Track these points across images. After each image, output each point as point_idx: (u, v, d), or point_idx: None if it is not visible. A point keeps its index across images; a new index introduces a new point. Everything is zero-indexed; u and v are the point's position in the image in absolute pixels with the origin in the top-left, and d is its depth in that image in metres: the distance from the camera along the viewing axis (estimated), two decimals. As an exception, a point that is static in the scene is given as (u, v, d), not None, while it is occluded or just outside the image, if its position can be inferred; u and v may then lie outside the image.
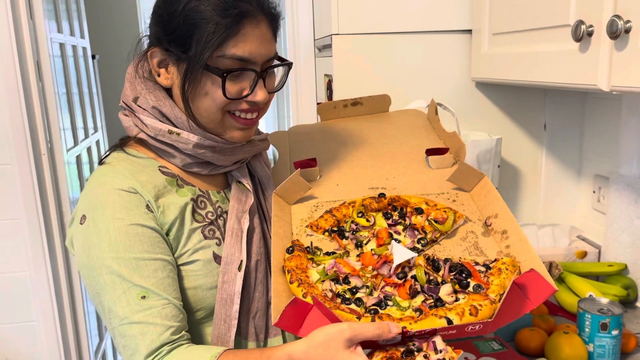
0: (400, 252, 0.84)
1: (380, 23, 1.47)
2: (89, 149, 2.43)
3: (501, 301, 0.74)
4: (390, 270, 0.84)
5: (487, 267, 0.84)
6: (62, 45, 2.11)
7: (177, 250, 0.89)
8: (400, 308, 0.80)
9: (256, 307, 0.95)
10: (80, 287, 2.02)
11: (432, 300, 0.79)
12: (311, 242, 0.92)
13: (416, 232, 0.93)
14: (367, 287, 0.83)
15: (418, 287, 0.82)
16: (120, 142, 0.96)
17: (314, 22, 1.77)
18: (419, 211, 0.96)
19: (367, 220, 0.96)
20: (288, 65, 0.95)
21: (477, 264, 0.85)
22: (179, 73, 0.88)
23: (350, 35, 1.47)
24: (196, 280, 0.90)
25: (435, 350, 0.72)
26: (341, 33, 1.46)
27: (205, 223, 0.93)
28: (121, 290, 0.83)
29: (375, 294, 0.82)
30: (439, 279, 0.83)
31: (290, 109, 1.96)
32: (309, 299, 0.77)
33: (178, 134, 0.89)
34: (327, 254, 0.90)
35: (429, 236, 0.92)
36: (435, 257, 0.87)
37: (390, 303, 0.80)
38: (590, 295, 1.26)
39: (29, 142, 1.79)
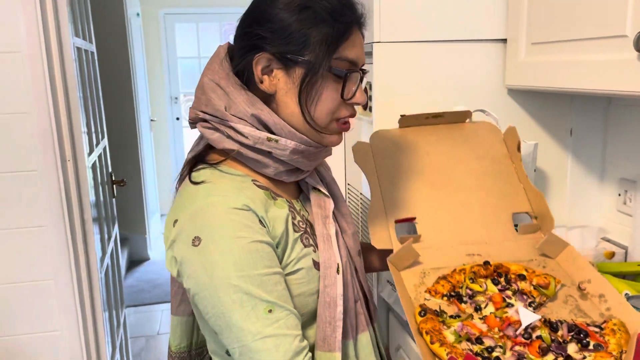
0: (526, 315, 0.97)
1: (419, 32, 1.51)
2: (99, 156, 2.39)
3: (632, 355, 0.84)
4: (515, 331, 0.95)
5: (600, 328, 0.94)
6: (79, 50, 2.08)
7: (282, 261, 0.90)
8: None
9: (350, 306, 0.98)
10: (100, 296, 1.99)
11: (562, 358, 0.89)
12: (439, 306, 1.02)
13: (525, 297, 1.04)
14: (500, 346, 0.92)
15: (545, 346, 0.91)
16: (198, 158, 0.95)
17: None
18: (521, 277, 1.08)
19: (480, 286, 1.07)
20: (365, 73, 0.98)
21: (588, 325, 0.95)
22: (290, 77, 0.89)
23: (391, 43, 1.50)
24: (300, 288, 0.92)
25: None
26: (382, 41, 1.49)
27: (301, 232, 0.94)
28: (250, 307, 0.83)
29: (508, 353, 0.91)
30: (560, 339, 0.93)
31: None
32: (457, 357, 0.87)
33: (277, 141, 0.90)
34: (452, 317, 1.00)
35: (537, 300, 1.03)
36: (550, 319, 0.97)
37: None
38: (627, 294, 1.31)
39: (56, 148, 1.75)
